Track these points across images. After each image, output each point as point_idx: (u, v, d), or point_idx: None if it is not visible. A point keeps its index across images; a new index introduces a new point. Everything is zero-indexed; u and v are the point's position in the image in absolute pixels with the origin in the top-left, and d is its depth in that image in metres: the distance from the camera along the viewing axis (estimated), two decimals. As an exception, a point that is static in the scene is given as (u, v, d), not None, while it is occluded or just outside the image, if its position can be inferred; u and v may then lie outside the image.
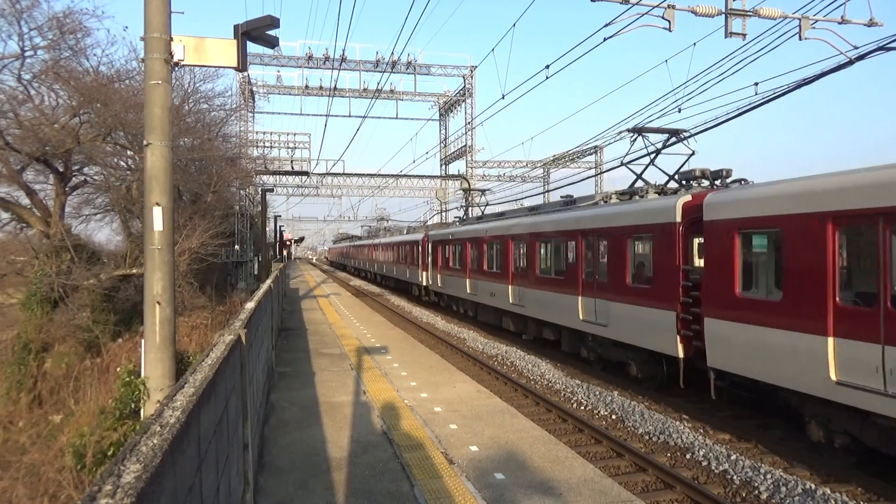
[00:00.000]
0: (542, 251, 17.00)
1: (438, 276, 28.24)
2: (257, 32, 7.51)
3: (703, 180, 12.44)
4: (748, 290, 9.69)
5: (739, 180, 11.67)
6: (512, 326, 19.50)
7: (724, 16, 15.02)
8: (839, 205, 7.93)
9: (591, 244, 14.27)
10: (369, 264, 53.84)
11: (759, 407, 10.81)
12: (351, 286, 48.12)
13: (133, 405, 7.73)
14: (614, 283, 13.15)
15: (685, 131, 14.13)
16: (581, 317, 14.49)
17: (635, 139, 14.85)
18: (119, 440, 7.45)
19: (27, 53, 16.17)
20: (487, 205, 29.43)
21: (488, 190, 33.51)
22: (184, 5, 16.79)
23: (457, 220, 30.11)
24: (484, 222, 22.96)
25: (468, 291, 23.27)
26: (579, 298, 14.54)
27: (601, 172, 40.70)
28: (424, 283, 31.03)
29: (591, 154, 44.45)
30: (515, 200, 33.22)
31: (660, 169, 17.76)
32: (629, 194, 14.30)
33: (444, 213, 47.50)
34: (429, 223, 45.63)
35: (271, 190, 37.93)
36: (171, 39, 6.97)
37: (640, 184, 14.80)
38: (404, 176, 45.22)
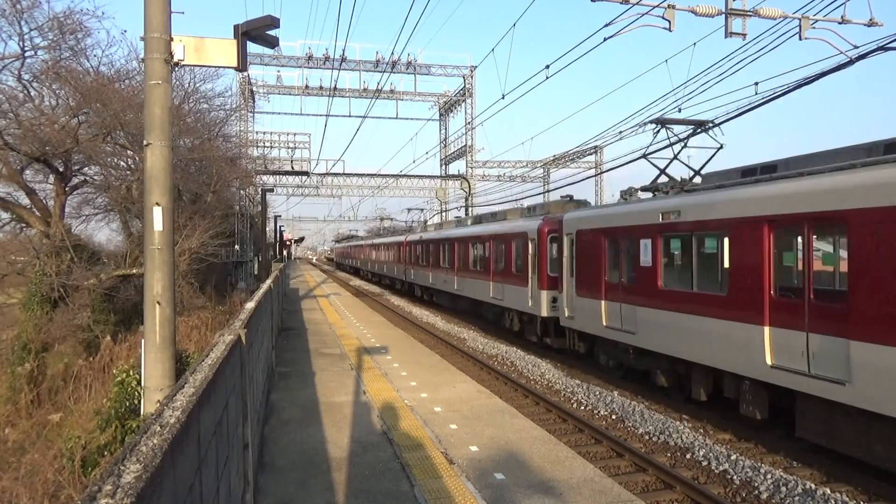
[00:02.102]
0: None
1: (603, 304, 13.71)
2: (257, 32, 7.51)
3: None
4: None
5: None
6: None
7: (724, 16, 15.04)
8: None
9: None
10: (399, 271, 37.34)
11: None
12: (351, 286, 48.13)
13: (128, 404, 7.74)
14: None
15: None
16: None
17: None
18: (107, 442, 7.45)
19: (27, 53, 16.16)
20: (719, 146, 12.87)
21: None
22: (184, 5, 16.78)
23: (632, 190, 14.72)
24: (785, 178, 9.25)
25: (764, 362, 9.02)
26: None
27: (601, 172, 40.76)
28: (544, 313, 16.91)
29: (591, 154, 44.49)
30: (516, 201, 32.85)
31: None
32: None
33: (444, 213, 47.51)
34: (429, 223, 45.53)
35: (271, 190, 38.03)
36: (171, 39, 6.97)
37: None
38: (404, 176, 45.27)
